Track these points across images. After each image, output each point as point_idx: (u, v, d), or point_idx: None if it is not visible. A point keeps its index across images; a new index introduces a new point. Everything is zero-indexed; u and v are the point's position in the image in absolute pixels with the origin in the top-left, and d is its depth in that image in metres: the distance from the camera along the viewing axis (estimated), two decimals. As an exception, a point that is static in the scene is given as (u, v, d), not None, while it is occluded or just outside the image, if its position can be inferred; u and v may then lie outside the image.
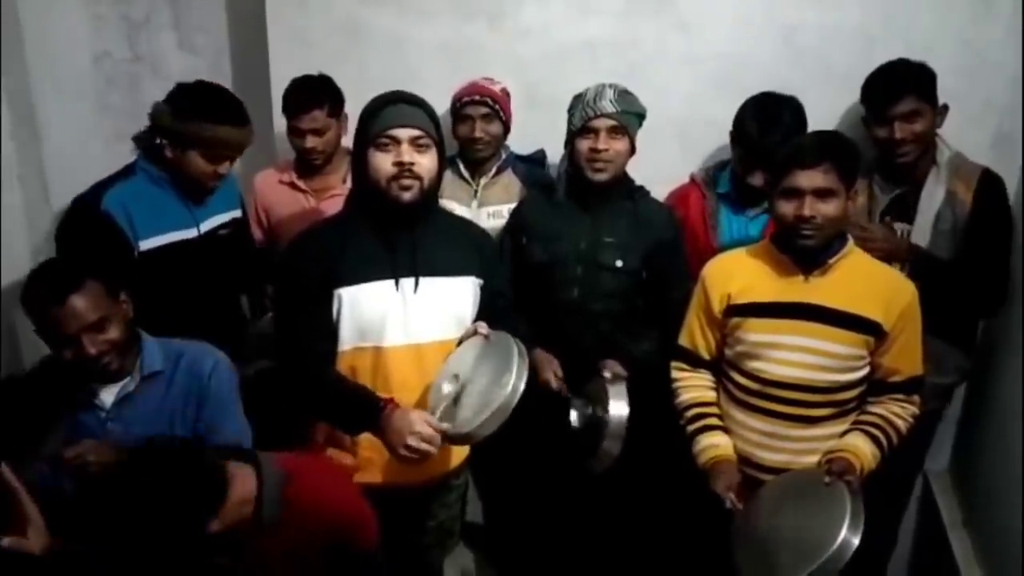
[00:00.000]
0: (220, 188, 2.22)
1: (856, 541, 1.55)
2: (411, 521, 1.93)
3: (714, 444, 1.90)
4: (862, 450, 1.78)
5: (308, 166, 2.46)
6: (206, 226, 2.19)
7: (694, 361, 1.99)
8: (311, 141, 2.37)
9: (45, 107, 2.55)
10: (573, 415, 1.97)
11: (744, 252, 1.95)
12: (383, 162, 1.65)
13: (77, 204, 2.05)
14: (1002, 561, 2.16)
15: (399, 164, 1.64)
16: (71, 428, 1.67)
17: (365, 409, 1.64)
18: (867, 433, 1.81)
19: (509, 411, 1.56)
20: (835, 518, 1.58)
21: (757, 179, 2.17)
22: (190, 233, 2.14)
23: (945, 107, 2.15)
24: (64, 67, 2.59)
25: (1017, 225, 2.21)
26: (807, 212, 1.73)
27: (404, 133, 1.65)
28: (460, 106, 2.31)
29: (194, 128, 1.99)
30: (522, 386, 1.57)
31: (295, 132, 2.39)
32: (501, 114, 2.32)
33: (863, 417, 1.85)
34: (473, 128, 2.30)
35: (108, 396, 1.69)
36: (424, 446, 1.57)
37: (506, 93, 2.36)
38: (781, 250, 1.85)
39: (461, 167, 2.39)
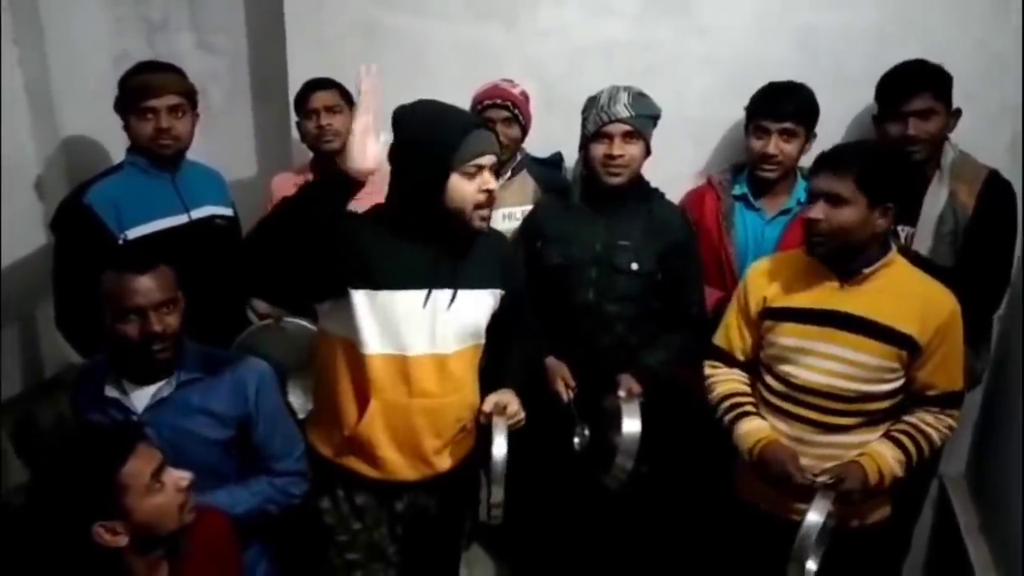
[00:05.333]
0: (206, 179, 2.27)
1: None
2: (434, 516, 1.92)
3: (756, 428, 1.86)
4: (882, 454, 1.77)
5: (324, 161, 2.44)
6: (198, 213, 2.22)
7: (728, 361, 1.97)
8: (325, 118, 2.37)
9: (65, 107, 2.58)
10: (576, 441, 1.99)
11: (787, 256, 1.95)
12: (470, 189, 1.63)
13: (63, 201, 2.13)
14: (1019, 566, 2.15)
15: (487, 192, 1.65)
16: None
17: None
18: (892, 439, 1.79)
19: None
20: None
21: (756, 144, 2.19)
22: (180, 219, 2.18)
23: (958, 111, 2.13)
24: (84, 68, 2.62)
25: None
26: (812, 214, 1.74)
27: (488, 160, 1.66)
28: (480, 109, 2.29)
29: (123, 86, 2.10)
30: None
31: (308, 116, 2.38)
32: (520, 118, 2.31)
33: (894, 426, 1.82)
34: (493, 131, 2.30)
35: (140, 400, 1.68)
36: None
37: (526, 96, 2.34)
38: (809, 255, 1.82)
39: (478, 168, 2.39)
